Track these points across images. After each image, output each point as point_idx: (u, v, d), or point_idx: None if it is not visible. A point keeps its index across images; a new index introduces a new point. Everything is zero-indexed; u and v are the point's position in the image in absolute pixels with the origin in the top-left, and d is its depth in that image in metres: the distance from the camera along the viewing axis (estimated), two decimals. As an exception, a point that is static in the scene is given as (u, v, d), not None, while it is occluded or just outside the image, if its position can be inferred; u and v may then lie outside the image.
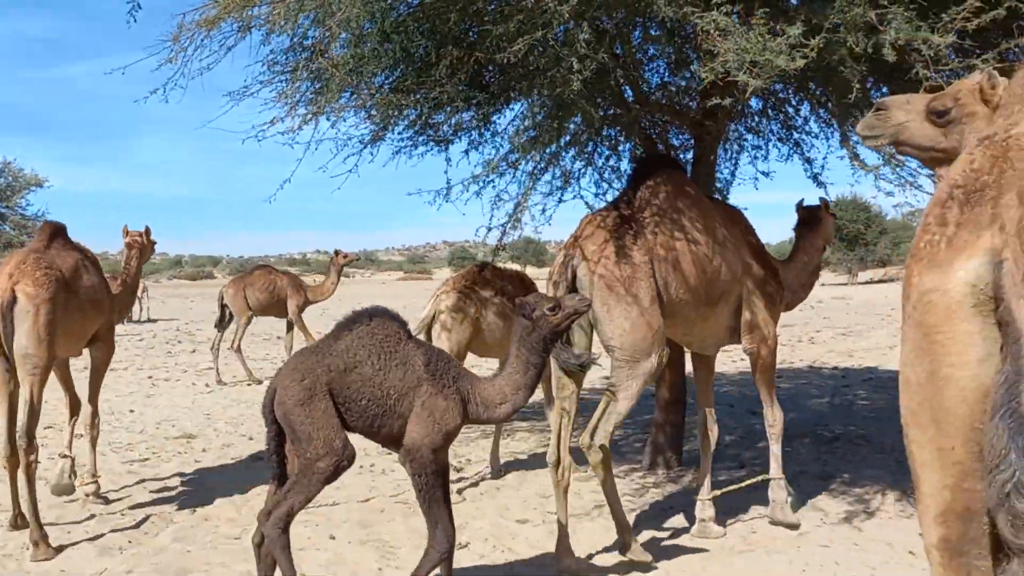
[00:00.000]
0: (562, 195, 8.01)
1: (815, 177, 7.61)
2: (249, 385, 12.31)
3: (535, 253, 54.57)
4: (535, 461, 7.36)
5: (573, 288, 4.80)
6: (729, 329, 5.45)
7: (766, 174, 7.59)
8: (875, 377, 11.99)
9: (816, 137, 7.46)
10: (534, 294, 4.22)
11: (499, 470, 7.01)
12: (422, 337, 6.53)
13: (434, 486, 3.77)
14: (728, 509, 5.82)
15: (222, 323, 12.83)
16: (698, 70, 4.12)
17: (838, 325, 19.88)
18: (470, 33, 6.63)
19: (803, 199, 6.40)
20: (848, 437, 8.12)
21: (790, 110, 7.54)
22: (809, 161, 7.65)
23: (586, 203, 7.96)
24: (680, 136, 7.59)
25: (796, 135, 7.64)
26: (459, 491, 6.47)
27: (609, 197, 7.93)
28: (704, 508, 5.45)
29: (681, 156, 7.49)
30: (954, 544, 1.74)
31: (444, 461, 3.92)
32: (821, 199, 6.38)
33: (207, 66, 6.40)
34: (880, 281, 36.60)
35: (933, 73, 3.88)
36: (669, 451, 6.99)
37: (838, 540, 5.25)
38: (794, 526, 5.45)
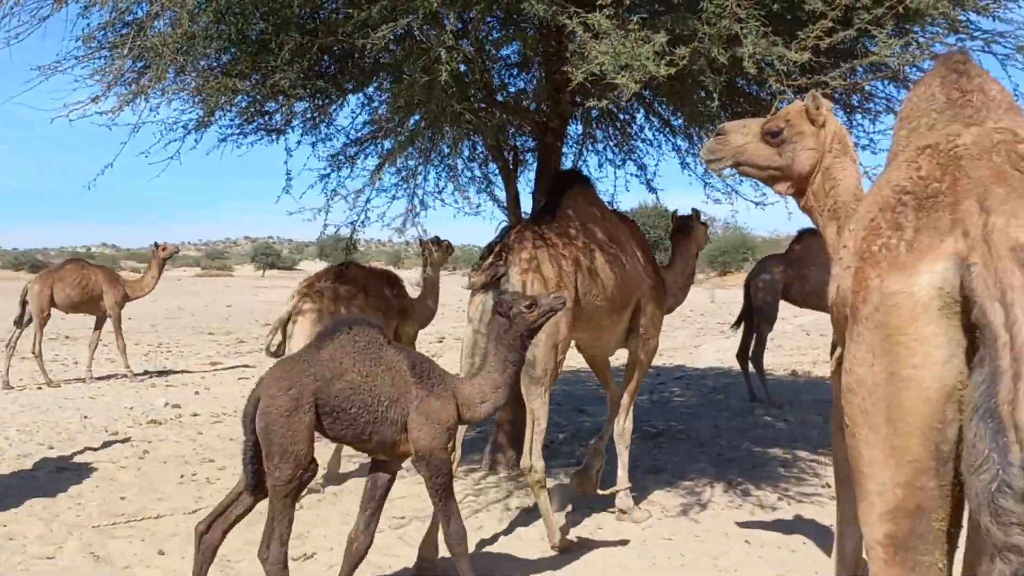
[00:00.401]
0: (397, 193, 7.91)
1: (648, 184, 7.92)
2: (40, 388, 11.23)
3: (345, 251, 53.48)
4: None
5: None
6: (626, 333, 5.74)
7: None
8: (685, 375, 12.63)
9: (651, 144, 7.74)
10: (511, 292, 4.24)
11: (337, 475, 6.75)
12: (278, 338, 6.17)
13: (450, 486, 3.84)
14: (578, 506, 5.92)
15: (21, 322, 11.64)
16: (571, 71, 4.11)
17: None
18: (316, 18, 6.36)
19: (677, 209, 6.88)
20: (671, 433, 8.49)
21: (624, 116, 7.78)
22: (643, 168, 7.94)
23: (421, 202, 7.87)
24: (521, 137, 7.64)
25: (632, 142, 7.90)
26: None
27: (447, 197, 7.90)
28: (623, 498, 5.75)
29: (524, 157, 7.55)
30: (901, 540, 1.80)
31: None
32: (693, 209, 6.81)
33: (16, 36, 5.76)
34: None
35: (786, 87, 4.09)
36: (510, 450, 7.00)
37: (680, 533, 5.45)
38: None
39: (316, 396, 3.62)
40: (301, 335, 5.94)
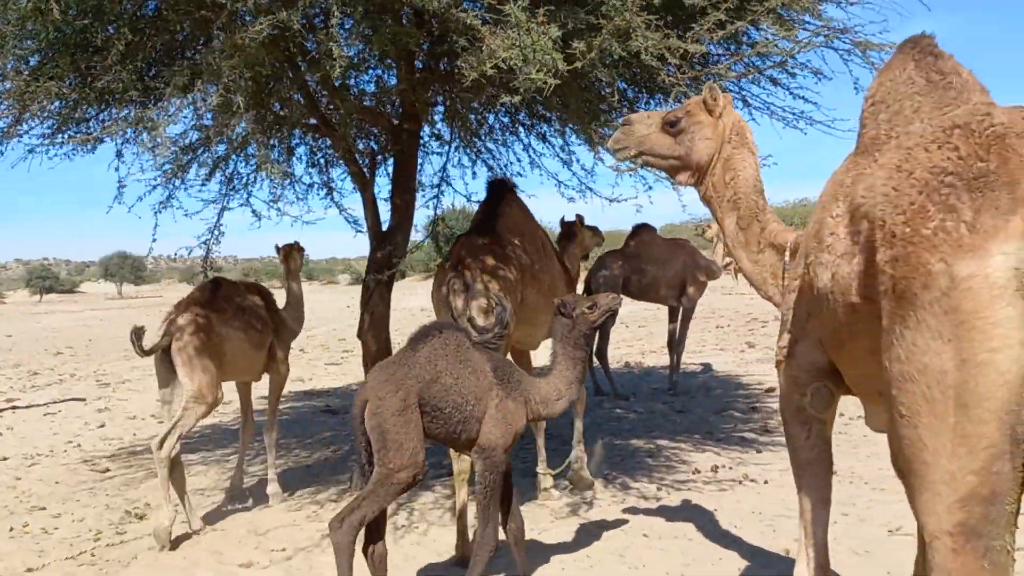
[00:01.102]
0: (227, 202, 7.39)
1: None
2: None
3: (132, 269, 49.97)
4: (220, 495, 6.63)
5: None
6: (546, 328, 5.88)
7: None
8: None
9: (502, 145, 7.68)
10: (571, 295, 4.64)
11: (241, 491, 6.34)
12: (154, 362, 5.55)
13: (499, 485, 4.02)
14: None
15: None
16: (470, 65, 3.93)
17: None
18: (145, 15, 5.81)
19: (564, 216, 7.37)
20: (530, 432, 8.45)
21: (474, 118, 7.67)
22: (491, 169, 7.87)
23: (254, 212, 7.39)
24: (371, 141, 7.35)
25: (480, 142, 7.80)
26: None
27: (282, 206, 7.46)
28: (544, 479, 6.20)
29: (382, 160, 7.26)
30: (972, 527, 1.78)
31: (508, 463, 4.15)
32: (577, 215, 7.28)
33: None
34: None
35: (680, 80, 4.13)
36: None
37: (578, 533, 5.41)
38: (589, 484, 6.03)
39: (419, 397, 3.85)
40: (183, 359, 5.39)
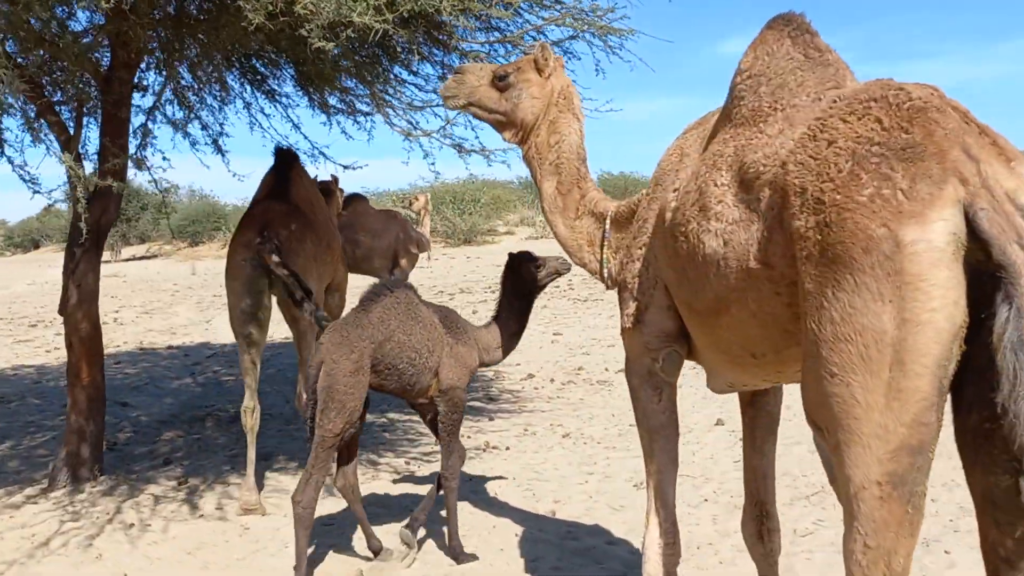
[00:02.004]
0: None
1: (214, 142, 7.21)
2: None
3: None
4: None
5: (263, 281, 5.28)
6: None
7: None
8: (217, 353, 11.87)
9: (222, 103, 7.04)
10: (521, 251, 4.62)
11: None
12: None
13: (459, 423, 4.40)
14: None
15: None
16: (253, 8, 3.49)
17: (134, 304, 19.03)
18: None
19: (317, 175, 7.07)
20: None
21: (185, 73, 6.93)
22: (206, 127, 7.20)
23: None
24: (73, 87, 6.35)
25: (193, 97, 7.09)
26: None
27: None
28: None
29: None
30: (901, 476, 1.94)
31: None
32: (332, 175, 7.29)
33: None
34: (144, 257, 35.89)
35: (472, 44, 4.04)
36: (92, 461, 5.91)
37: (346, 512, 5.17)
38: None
39: (372, 357, 4.02)
40: None
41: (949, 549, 4.28)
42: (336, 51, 3.65)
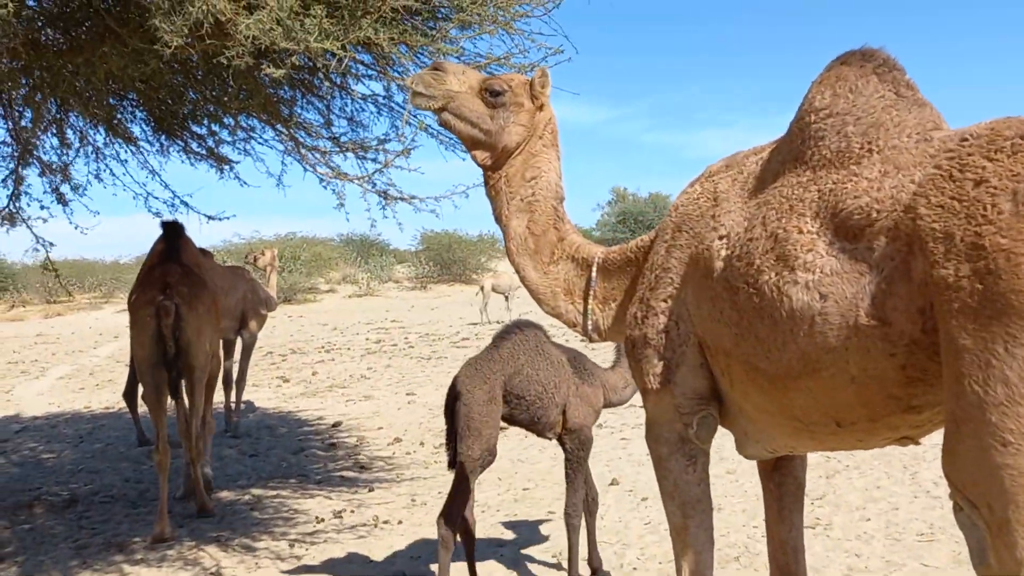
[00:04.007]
0: None
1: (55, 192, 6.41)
2: None
3: None
4: None
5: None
6: None
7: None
8: (26, 426, 10.50)
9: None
10: None
11: None
12: None
13: (586, 460, 4.57)
14: None
15: None
16: (170, 30, 2.98)
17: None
18: None
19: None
20: (87, 497, 6.98)
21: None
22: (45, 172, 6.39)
23: None
24: None
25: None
26: None
27: None
28: None
29: None
30: None
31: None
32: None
33: None
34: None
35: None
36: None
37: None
38: None
39: (504, 388, 4.37)
40: None
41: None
42: (264, 79, 3.19)
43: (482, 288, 23.31)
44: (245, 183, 5.96)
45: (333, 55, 3.18)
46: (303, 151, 4.72)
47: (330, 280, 33.99)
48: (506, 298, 23.61)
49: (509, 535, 5.63)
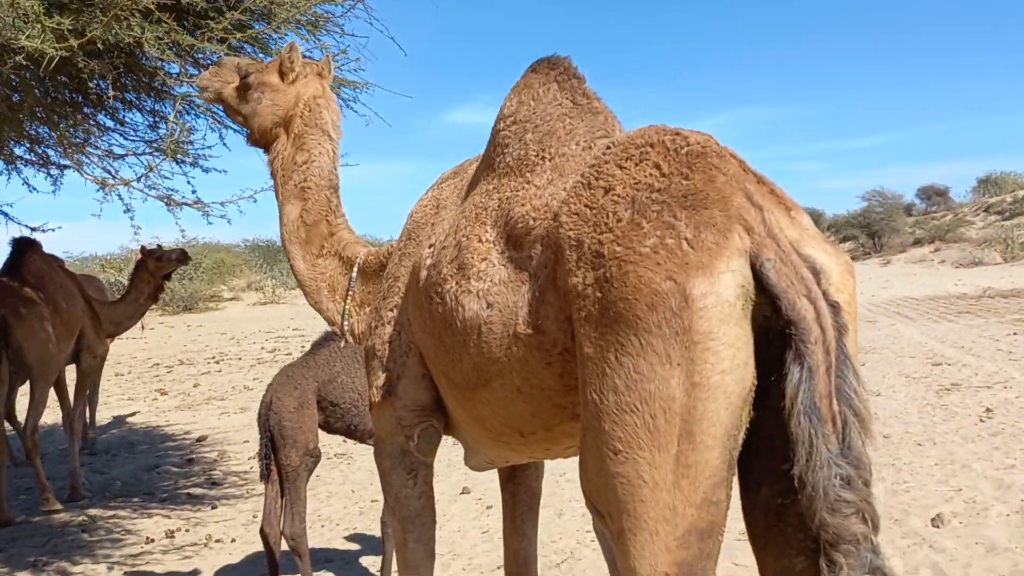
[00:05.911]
0: None
1: None
2: None
3: None
4: None
5: None
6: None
7: None
8: None
9: None
10: None
11: None
12: None
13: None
14: None
15: None
16: None
17: None
18: None
19: (144, 245, 7.70)
20: None
21: None
22: None
23: None
24: None
25: None
26: None
27: None
28: None
29: None
30: (690, 564, 1.68)
31: None
32: (141, 246, 7.65)
33: None
34: None
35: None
36: None
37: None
38: None
39: (317, 395, 4.31)
40: None
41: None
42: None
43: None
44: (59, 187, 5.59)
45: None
46: (76, 157, 4.47)
47: (234, 288, 33.13)
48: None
49: (343, 547, 5.44)
